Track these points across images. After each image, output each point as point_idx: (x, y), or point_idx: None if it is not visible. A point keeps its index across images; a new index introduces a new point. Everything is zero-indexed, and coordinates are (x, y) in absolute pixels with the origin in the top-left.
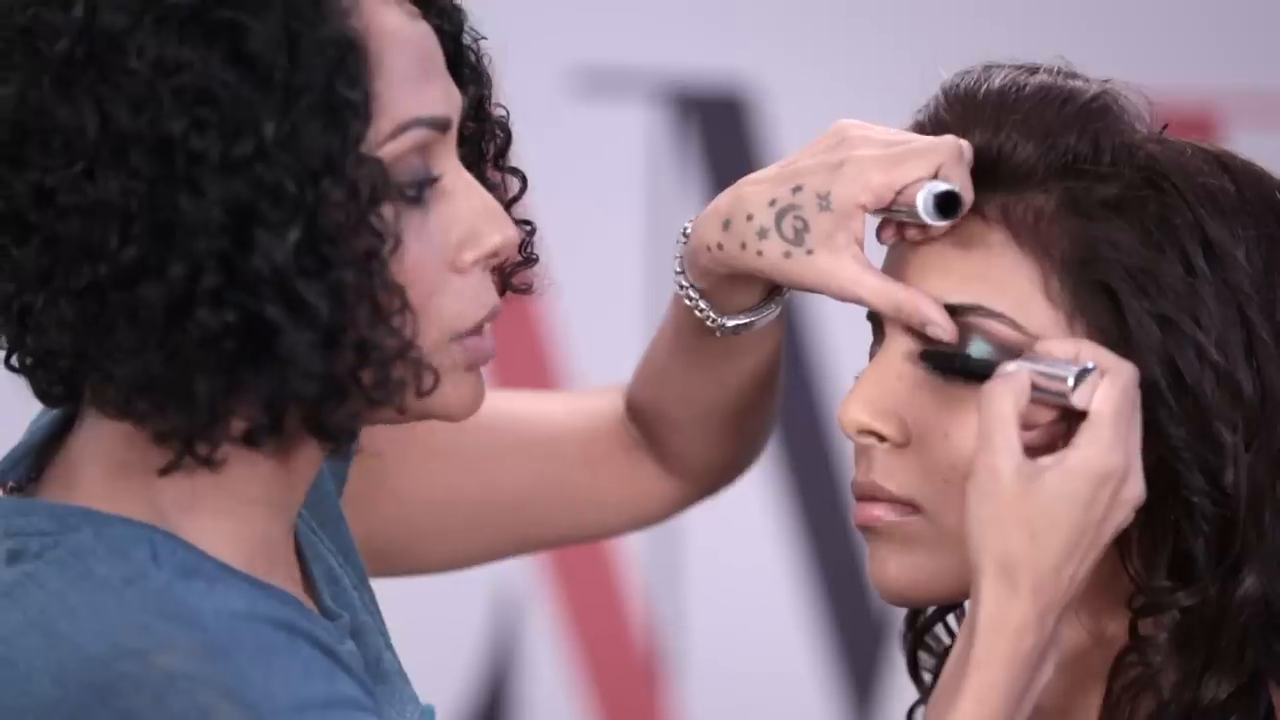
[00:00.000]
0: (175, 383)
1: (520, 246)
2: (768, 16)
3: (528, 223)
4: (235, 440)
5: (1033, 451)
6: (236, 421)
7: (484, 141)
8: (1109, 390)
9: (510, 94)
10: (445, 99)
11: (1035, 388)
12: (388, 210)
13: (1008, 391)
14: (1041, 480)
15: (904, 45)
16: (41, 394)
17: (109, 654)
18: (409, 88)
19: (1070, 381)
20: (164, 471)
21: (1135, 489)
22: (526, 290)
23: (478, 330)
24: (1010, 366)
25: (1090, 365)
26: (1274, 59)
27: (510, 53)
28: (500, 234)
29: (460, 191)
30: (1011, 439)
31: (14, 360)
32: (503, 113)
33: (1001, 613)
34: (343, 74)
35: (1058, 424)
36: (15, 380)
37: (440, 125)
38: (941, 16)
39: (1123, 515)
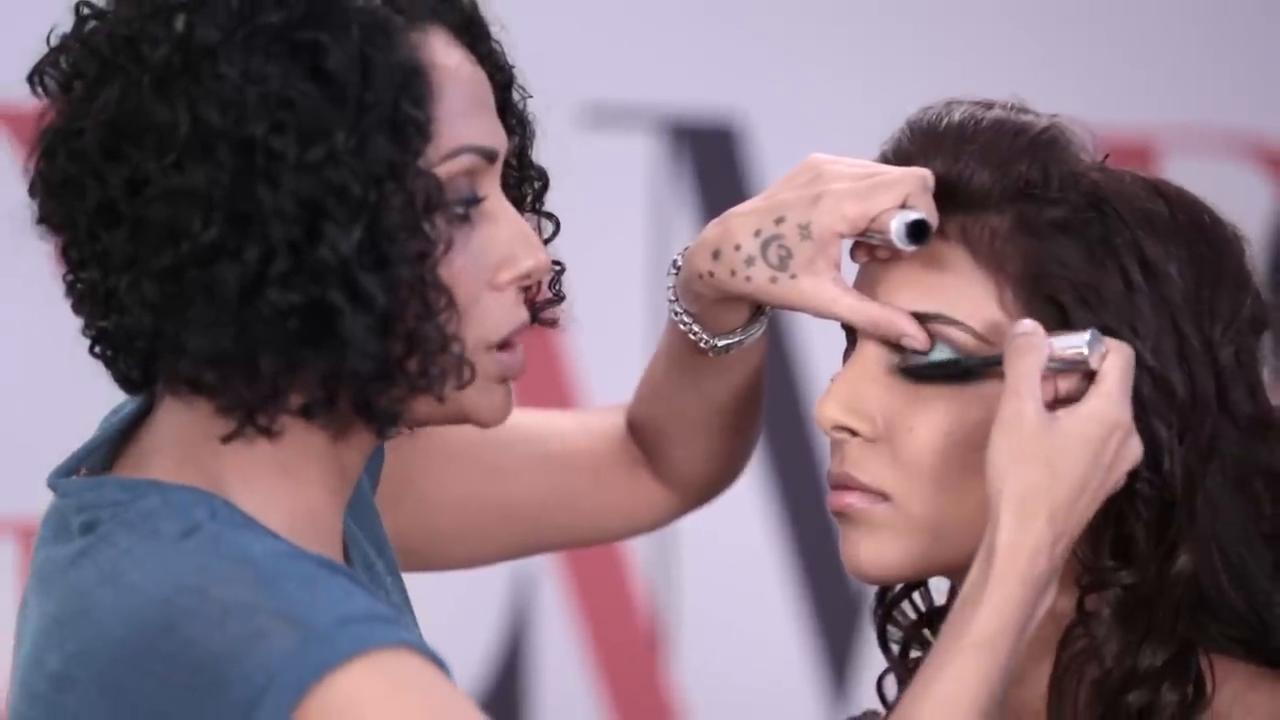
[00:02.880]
0: (242, 357)
1: (550, 284)
2: (756, 58)
3: (558, 263)
4: (293, 413)
5: None
6: (295, 396)
7: (524, 186)
8: (1115, 357)
9: None
10: (494, 134)
11: (1050, 358)
12: (439, 220)
13: (1031, 350)
14: (1060, 423)
15: (875, 82)
16: (122, 380)
17: (171, 593)
18: (463, 118)
19: (1085, 348)
20: (226, 439)
21: (1136, 448)
22: (553, 324)
23: (509, 345)
24: (1026, 324)
25: (1092, 335)
26: (1203, 96)
27: (526, 90)
28: (534, 258)
29: (502, 218)
30: (1035, 388)
31: (98, 350)
32: (543, 166)
33: (1020, 536)
34: (408, 95)
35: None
36: (86, 386)
37: (488, 155)
38: (908, 60)
39: (1125, 468)
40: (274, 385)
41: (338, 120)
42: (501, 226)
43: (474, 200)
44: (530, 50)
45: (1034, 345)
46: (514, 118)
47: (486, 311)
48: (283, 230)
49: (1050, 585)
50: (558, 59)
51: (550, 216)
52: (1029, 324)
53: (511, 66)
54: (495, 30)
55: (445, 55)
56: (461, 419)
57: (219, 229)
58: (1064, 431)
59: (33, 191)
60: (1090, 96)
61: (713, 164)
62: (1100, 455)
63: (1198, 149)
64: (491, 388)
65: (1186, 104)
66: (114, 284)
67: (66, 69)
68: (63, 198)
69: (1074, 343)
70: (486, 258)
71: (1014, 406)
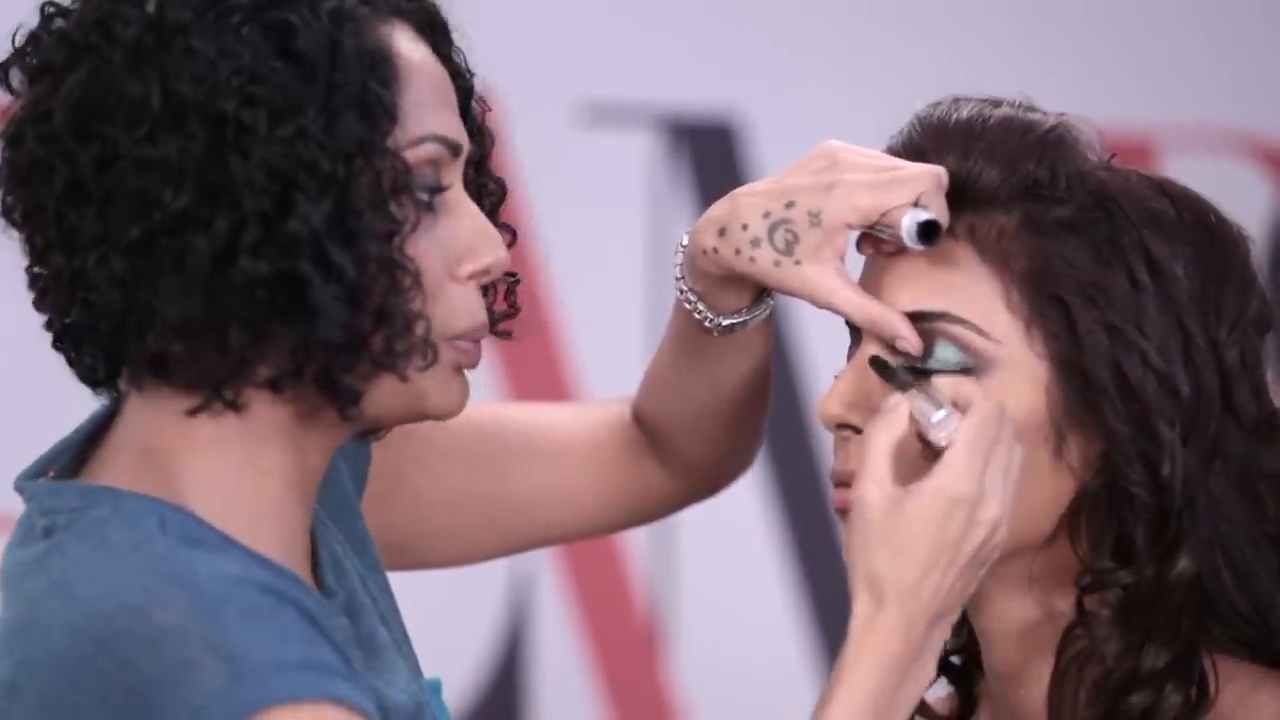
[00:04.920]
0: (211, 327)
1: (505, 294)
2: (755, 56)
3: (513, 274)
4: (259, 385)
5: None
6: (262, 369)
7: (483, 196)
8: (964, 426)
9: (526, 125)
10: (459, 129)
11: (916, 421)
12: (406, 202)
13: (885, 426)
14: (903, 505)
15: (873, 81)
16: (84, 375)
17: (114, 610)
18: (429, 109)
19: (933, 418)
20: (192, 413)
21: (992, 511)
22: (507, 336)
23: (468, 338)
24: (892, 401)
25: (947, 411)
26: (1202, 95)
27: (526, 89)
28: (494, 254)
29: (464, 211)
30: (880, 471)
31: (62, 345)
32: (498, 177)
33: (869, 622)
34: (375, 77)
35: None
36: (77, 383)
37: (453, 147)
38: (906, 58)
39: (984, 534)
40: (242, 356)
41: (308, 97)
42: (464, 220)
43: (439, 188)
44: (529, 48)
45: (889, 422)
46: (473, 126)
47: (445, 303)
48: (254, 201)
49: (923, 662)
50: (556, 57)
51: (508, 228)
52: (894, 400)
53: (472, 74)
54: (457, 38)
55: (410, 49)
56: (419, 411)
57: (190, 198)
58: (905, 513)
59: None
60: (1088, 94)
61: (711, 162)
62: (945, 531)
63: (1196, 147)
64: (448, 376)
65: (1185, 102)
66: (80, 264)
67: (35, 63)
68: (29, 183)
69: (927, 409)
70: (449, 249)
71: (858, 492)
